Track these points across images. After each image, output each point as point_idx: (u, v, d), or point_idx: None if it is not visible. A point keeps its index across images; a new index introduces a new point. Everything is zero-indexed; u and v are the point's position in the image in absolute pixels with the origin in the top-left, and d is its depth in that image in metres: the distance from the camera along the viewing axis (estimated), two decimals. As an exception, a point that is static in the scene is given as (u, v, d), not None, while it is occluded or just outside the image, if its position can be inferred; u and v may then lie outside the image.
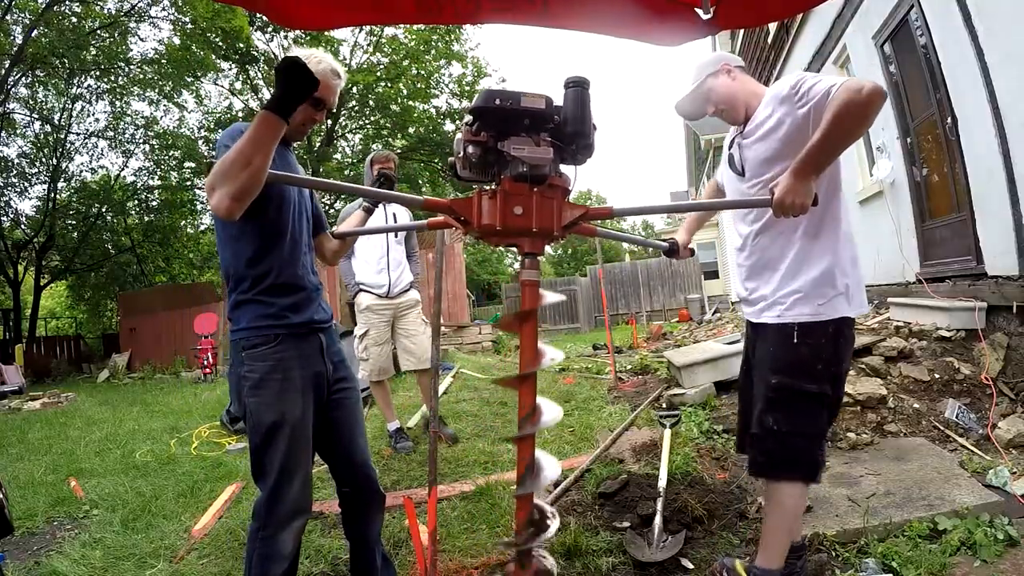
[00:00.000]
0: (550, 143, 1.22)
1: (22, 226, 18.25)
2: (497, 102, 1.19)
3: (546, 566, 1.18)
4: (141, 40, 19.16)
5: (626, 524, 2.38)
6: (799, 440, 1.66)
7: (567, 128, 1.22)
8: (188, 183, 18.28)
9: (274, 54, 18.16)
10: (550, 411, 1.20)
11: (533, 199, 1.19)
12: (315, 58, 1.62)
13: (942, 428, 3.02)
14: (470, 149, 1.22)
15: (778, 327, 1.71)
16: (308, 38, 16.67)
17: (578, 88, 1.23)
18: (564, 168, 1.27)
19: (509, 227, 1.18)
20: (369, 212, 2.10)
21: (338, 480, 1.79)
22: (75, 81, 15.81)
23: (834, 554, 2.05)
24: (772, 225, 1.73)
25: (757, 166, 1.74)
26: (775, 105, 1.67)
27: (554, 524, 1.18)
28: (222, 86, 18.44)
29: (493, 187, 1.25)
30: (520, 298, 1.22)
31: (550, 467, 1.18)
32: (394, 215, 3.78)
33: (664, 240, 2.12)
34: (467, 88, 18.89)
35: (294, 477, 1.57)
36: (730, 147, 1.88)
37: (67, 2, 14.31)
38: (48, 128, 16.76)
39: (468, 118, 1.24)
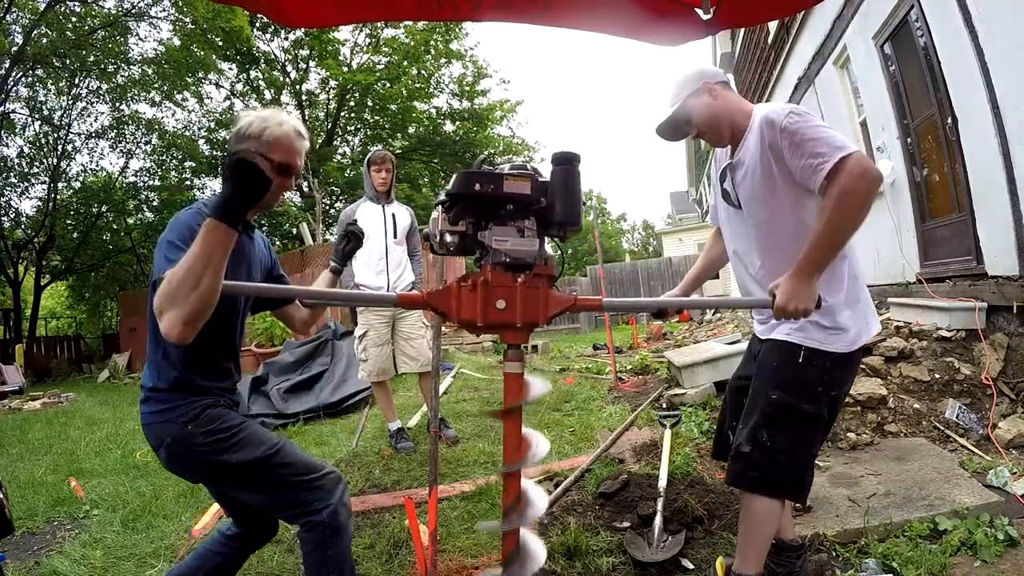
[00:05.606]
0: (536, 232, 1.11)
1: (22, 226, 18.24)
2: (477, 187, 1.07)
3: None
4: (141, 40, 19.13)
5: (626, 524, 2.38)
6: (790, 459, 1.61)
7: (556, 215, 1.11)
8: (188, 183, 18.29)
9: (274, 54, 18.19)
10: (538, 445, 1.13)
11: (517, 291, 1.09)
12: (275, 120, 1.48)
13: (942, 428, 3.02)
14: (448, 238, 1.12)
15: (785, 343, 1.64)
16: (309, 37, 16.72)
17: (567, 166, 1.12)
18: (549, 246, 1.17)
19: (491, 322, 1.08)
20: (337, 273, 1.90)
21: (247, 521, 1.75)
22: (76, 81, 15.80)
23: (834, 554, 2.05)
24: (777, 256, 1.62)
25: (752, 204, 1.65)
26: (762, 144, 1.55)
27: (540, 558, 1.12)
28: (224, 87, 18.48)
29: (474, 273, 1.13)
30: (504, 390, 1.11)
31: (538, 500, 1.12)
32: (393, 215, 3.78)
33: (656, 300, 2.10)
34: (467, 88, 18.90)
35: (322, 465, 1.61)
36: (723, 179, 1.77)
37: (67, 2, 14.31)
38: (48, 128, 16.75)
39: (442, 197, 1.12)
